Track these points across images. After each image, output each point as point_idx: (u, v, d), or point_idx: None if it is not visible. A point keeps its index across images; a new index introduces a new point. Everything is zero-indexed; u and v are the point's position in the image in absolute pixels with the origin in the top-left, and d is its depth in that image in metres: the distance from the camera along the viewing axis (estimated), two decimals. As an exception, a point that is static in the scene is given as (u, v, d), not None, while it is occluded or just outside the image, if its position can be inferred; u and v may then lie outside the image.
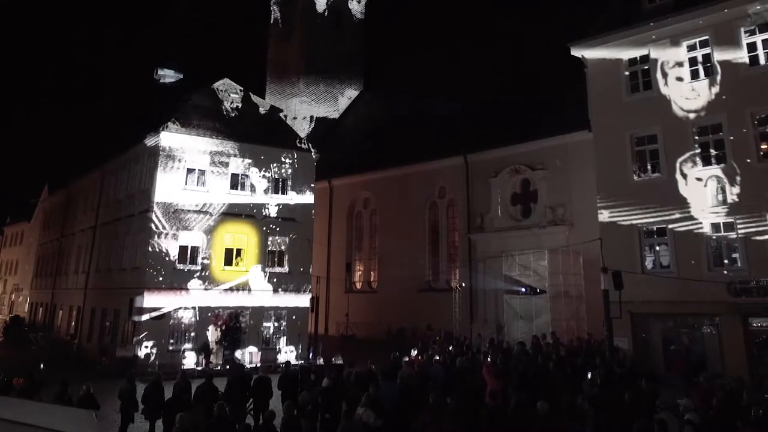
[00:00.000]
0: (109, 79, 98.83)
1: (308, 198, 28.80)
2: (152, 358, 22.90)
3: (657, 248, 19.96)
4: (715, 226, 18.61)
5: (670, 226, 19.35)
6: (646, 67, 20.97)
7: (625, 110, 21.11)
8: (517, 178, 29.67)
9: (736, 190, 18.01)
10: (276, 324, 26.73)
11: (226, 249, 25.84)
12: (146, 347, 23.02)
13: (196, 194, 25.54)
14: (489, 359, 16.52)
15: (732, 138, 18.43)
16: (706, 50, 19.53)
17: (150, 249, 24.06)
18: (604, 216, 21.03)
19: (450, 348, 21.25)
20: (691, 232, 18.80)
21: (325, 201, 39.08)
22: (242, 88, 28.40)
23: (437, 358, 18.50)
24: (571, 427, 10.76)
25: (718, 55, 19.14)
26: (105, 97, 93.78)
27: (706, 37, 19.50)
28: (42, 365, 18.17)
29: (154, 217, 24.41)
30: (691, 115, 19.41)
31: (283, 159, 28.15)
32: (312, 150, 29.60)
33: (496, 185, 30.09)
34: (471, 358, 17.17)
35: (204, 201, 25.55)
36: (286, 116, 34.80)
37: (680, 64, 20.00)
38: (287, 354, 25.26)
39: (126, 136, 30.12)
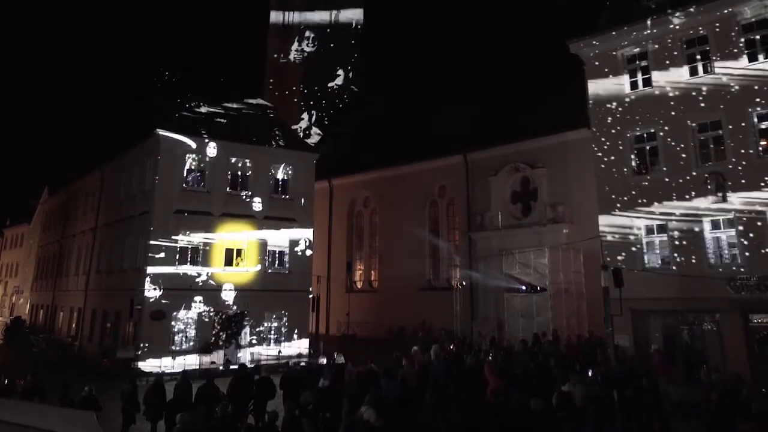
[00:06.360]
0: (109, 79, 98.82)
1: (308, 198, 28.80)
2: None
3: (657, 245, 19.94)
4: (716, 223, 18.61)
5: (670, 223, 19.35)
6: (645, 65, 20.95)
7: (625, 108, 21.11)
8: (517, 176, 29.65)
9: (736, 186, 17.99)
10: (277, 324, 26.75)
11: (226, 249, 25.85)
12: (147, 348, 23.03)
13: (196, 195, 25.56)
14: (490, 357, 16.52)
15: (731, 134, 18.43)
16: (705, 47, 19.52)
17: (150, 250, 24.06)
18: (604, 213, 21.01)
19: (451, 346, 21.23)
20: (692, 229, 18.79)
21: (326, 201, 39.07)
22: (242, 89, 28.44)
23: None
24: (571, 424, 10.76)
25: (717, 52, 19.13)
26: (105, 97, 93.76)
27: (705, 34, 19.50)
28: (43, 367, 18.16)
29: (154, 218, 24.42)
30: (691, 112, 19.40)
31: (282, 159, 28.15)
32: (312, 150, 29.59)
33: (496, 183, 30.07)
34: (475, 356, 17.16)
35: (204, 201, 25.56)
36: (285, 116, 34.80)
37: (679, 62, 19.98)
38: (288, 353, 25.27)
39: (126, 137, 30.12)
